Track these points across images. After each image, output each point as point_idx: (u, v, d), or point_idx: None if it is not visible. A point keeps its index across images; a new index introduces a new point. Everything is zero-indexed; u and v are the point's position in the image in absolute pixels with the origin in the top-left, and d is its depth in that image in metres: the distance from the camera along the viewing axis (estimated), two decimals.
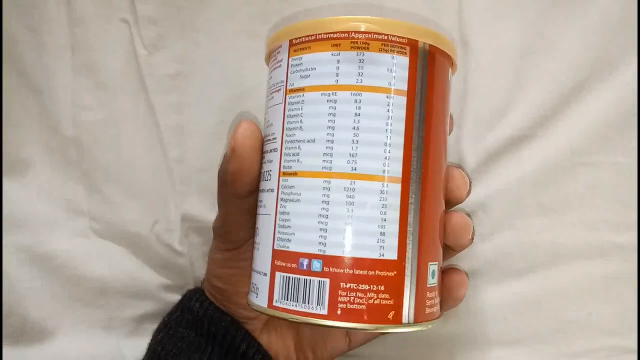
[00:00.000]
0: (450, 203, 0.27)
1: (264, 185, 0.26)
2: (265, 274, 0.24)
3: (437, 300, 0.25)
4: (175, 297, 0.37)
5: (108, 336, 0.36)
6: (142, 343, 0.34)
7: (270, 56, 0.27)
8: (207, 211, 0.36)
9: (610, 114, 0.33)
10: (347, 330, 0.24)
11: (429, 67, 0.24)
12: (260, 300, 0.24)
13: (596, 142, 0.34)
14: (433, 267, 0.24)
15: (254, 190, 0.27)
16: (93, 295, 0.36)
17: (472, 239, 0.29)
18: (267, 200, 0.25)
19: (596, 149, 0.34)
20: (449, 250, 0.28)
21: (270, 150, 0.25)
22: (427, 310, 0.24)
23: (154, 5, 0.36)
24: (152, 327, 0.36)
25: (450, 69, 0.26)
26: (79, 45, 0.36)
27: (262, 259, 0.25)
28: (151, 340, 0.33)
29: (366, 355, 0.36)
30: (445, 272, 0.29)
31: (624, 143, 0.33)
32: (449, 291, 0.28)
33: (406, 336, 0.35)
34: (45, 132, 0.36)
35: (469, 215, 0.29)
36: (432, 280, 0.24)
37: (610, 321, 0.33)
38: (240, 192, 0.27)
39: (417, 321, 0.23)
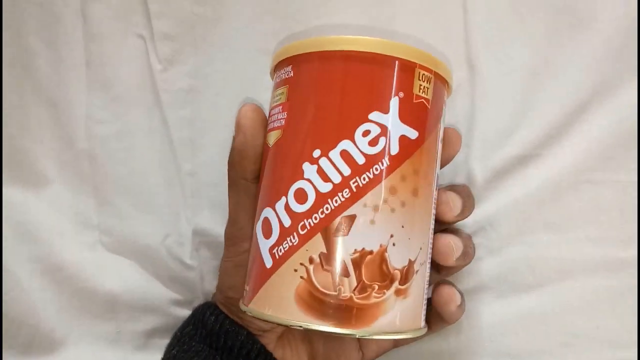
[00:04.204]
0: (441, 223, 0.28)
1: None
2: None
3: None
4: (185, 312, 0.37)
5: (116, 350, 0.36)
6: (150, 358, 0.34)
7: None
8: (218, 225, 0.36)
9: (612, 135, 0.34)
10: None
11: None
12: None
13: (599, 161, 0.35)
14: None
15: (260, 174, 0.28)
16: (102, 308, 0.36)
17: (465, 260, 0.29)
18: None
19: (599, 168, 0.35)
20: (439, 268, 0.29)
21: None
22: None
23: (169, 21, 0.36)
24: (160, 342, 0.36)
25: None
26: (94, 60, 0.36)
27: None
28: (164, 356, 0.32)
29: None
30: (435, 287, 0.30)
31: (625, 162, 0.34)
32: (438, 306, 0.29)
33: (418, 350, 0.35)
34: (58, 145, 0.36)
35: (464, 236, 0.29)
36: None
37: (616, 334, 0.34)
38: (247, 169, 0.28)
39: None
